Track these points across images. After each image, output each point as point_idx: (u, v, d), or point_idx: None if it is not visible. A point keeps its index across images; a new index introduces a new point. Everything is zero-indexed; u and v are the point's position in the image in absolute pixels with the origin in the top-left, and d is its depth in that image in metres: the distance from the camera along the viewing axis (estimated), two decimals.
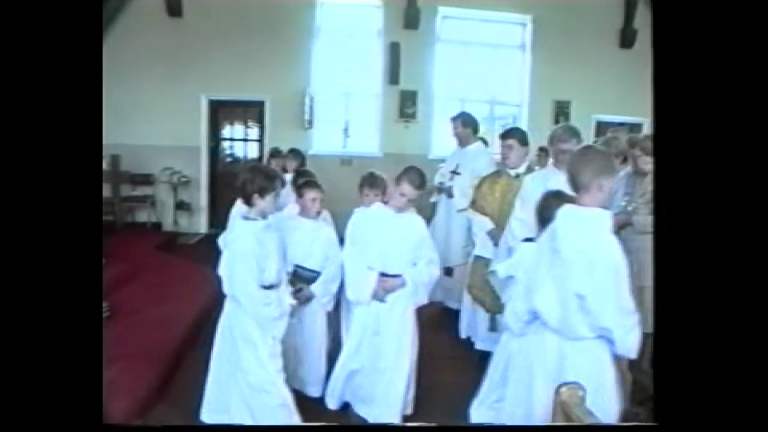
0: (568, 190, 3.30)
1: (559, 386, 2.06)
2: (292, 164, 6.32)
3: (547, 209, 2.89)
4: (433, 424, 2.84)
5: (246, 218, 3.18)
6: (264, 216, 3.18)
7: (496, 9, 9.83)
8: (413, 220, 3.49)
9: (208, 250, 5.46)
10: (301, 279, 3.69)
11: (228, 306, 3.28)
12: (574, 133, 3.88)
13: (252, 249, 3.05)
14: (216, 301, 5.19)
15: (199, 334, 5.00)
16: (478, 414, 3.31)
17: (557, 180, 3.64)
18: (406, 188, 3.32)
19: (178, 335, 4.70)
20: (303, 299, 3.66)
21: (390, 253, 3.39)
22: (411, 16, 9.52)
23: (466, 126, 5.71)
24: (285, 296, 3.25)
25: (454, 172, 5.66)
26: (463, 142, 5.73)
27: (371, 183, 3.96)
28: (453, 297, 5.41)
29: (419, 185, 3.36)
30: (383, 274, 3.39)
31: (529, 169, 4.57)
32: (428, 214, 5.45)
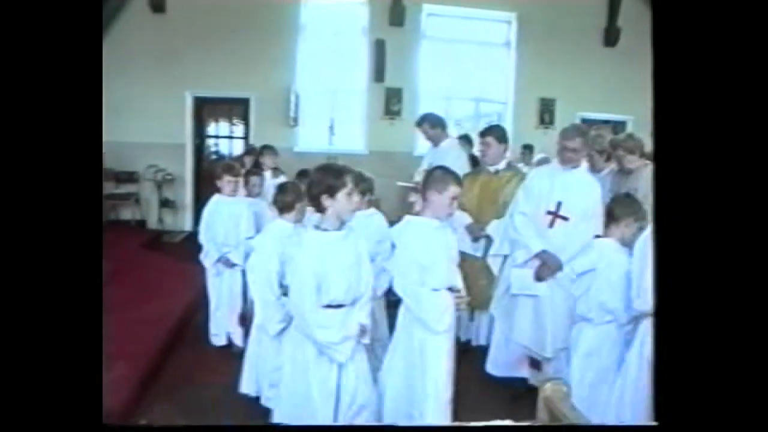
0: (574, 186, 3.64)
1: (544, 383, 2.10)
2: (270, 161, 6.02)
3: (618, 208, 3.29)
4: (433, 425, 2.81)
5: (317, 228, 2.74)
6: (340, 223, 2.73)
7: (481, 6, 9.87)
8: (448, 227, 3.14)
9: (192, 248, 5.42)
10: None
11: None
12: (582, 132, 3.87)
13: (309, 265, 2.66)
14: (201, 299, 5.25)
15: (184, 332, 5.02)
16: None
17: (563, 177, 3.72)
18: (456, 189, 2.93)
19: (164, 333, 4.69)
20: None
21: (451, 267, 3.01)
22: (396, 13, 9.52)
23: (435, 127, 5.63)
24: (360, 315, 2.78)
25: None
26: (436, 142, 5.70)
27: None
28: None
29: (461, 181, 3.09)
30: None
31: (509, 166, 4.63)
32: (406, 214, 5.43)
